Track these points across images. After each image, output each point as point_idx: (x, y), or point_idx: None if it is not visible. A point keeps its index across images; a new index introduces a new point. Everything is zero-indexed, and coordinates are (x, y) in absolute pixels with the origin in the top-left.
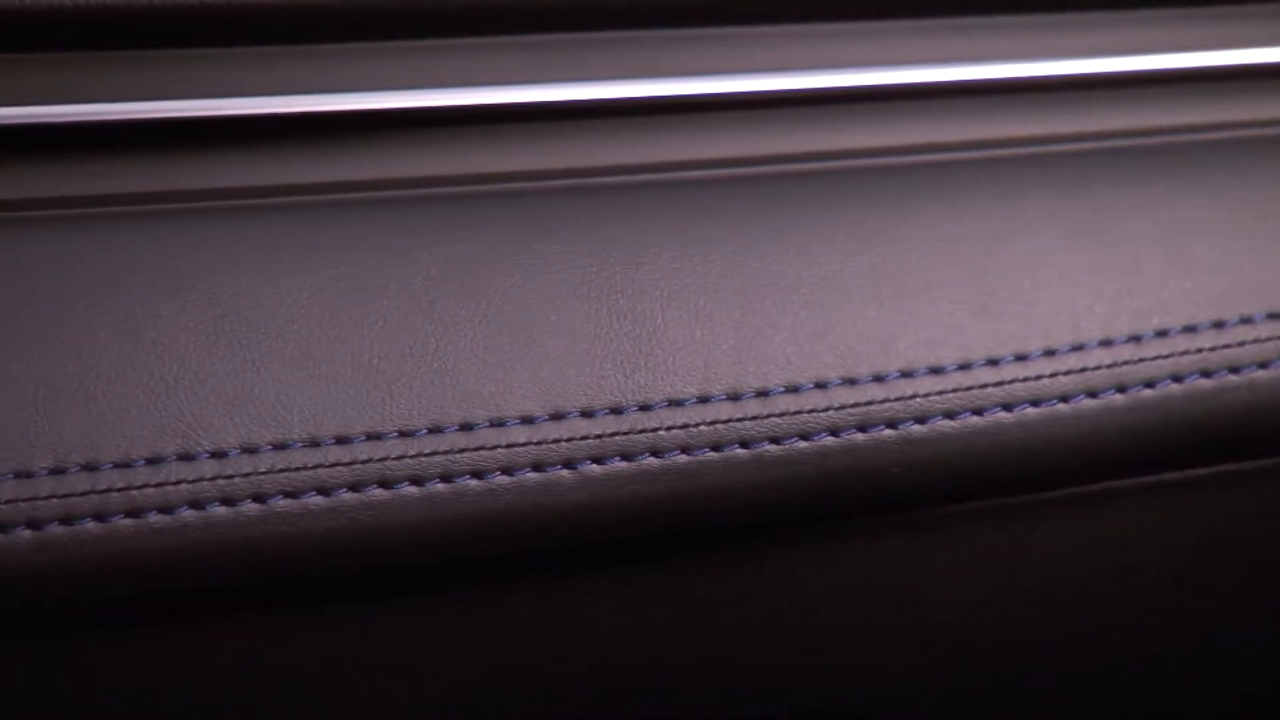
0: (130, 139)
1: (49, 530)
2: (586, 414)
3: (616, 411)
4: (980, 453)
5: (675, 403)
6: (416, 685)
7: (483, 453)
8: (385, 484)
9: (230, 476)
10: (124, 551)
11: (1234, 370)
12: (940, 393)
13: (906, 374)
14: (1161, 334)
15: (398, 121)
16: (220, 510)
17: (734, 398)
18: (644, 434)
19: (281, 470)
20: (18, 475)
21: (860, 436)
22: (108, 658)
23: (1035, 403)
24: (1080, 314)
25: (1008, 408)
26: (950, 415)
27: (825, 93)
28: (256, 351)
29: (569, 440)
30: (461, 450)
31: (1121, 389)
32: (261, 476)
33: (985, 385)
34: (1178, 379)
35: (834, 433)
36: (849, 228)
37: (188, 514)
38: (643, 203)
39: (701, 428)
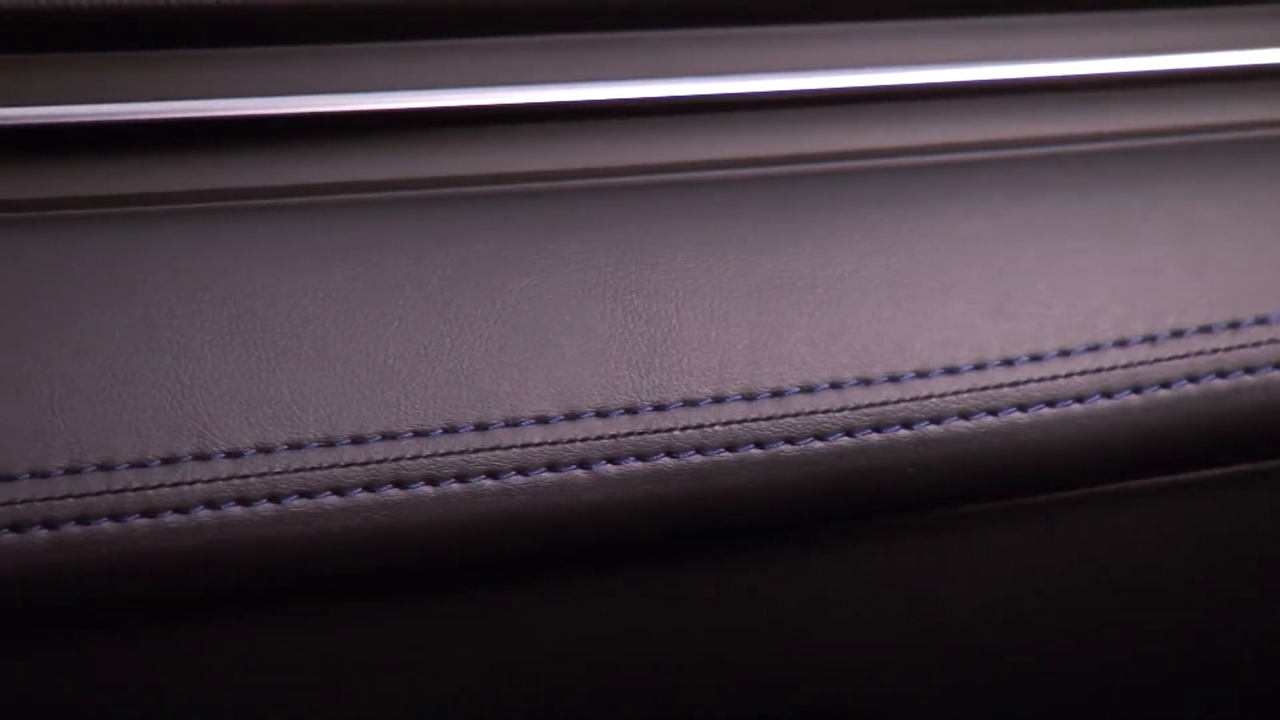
0: (147, 139)
1: (65, 530)
2: (601, 414)
3: (631, 411)
4: (995, 453)
5: (690, 403)
6: (429, 684)
7: (498, 453)
8: (400, 484)
9: (246, 476)
10: (140, 551)
11: (1250, 370)
12: (955, 393)
13: (922, 374)
14: (1177, 334)
15: (413, 121)
16: (236, 510)
17: (749, 398)
18: (659, 434)
19: (297, 470)
20: (33, 475)
21: (875, 437)
22: (124, 657)
23: (1050, 403)
24: (1095, 314)
25: (1023, 408)
26: (965, 415)
27: (841, 93)
28: (272, 351)
29: (584, 440)
30: (477, 450)
31: (1137, 389)
32: (277, 476)
33: (1000, 385)
34: (1193, 379)
35: (849, 433)
36: (864, 228)
37: (203, 514)
38: (658, 203)
39: (716, 428)
